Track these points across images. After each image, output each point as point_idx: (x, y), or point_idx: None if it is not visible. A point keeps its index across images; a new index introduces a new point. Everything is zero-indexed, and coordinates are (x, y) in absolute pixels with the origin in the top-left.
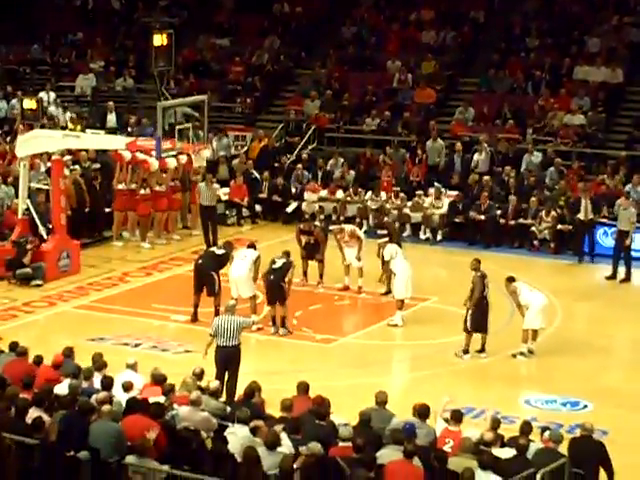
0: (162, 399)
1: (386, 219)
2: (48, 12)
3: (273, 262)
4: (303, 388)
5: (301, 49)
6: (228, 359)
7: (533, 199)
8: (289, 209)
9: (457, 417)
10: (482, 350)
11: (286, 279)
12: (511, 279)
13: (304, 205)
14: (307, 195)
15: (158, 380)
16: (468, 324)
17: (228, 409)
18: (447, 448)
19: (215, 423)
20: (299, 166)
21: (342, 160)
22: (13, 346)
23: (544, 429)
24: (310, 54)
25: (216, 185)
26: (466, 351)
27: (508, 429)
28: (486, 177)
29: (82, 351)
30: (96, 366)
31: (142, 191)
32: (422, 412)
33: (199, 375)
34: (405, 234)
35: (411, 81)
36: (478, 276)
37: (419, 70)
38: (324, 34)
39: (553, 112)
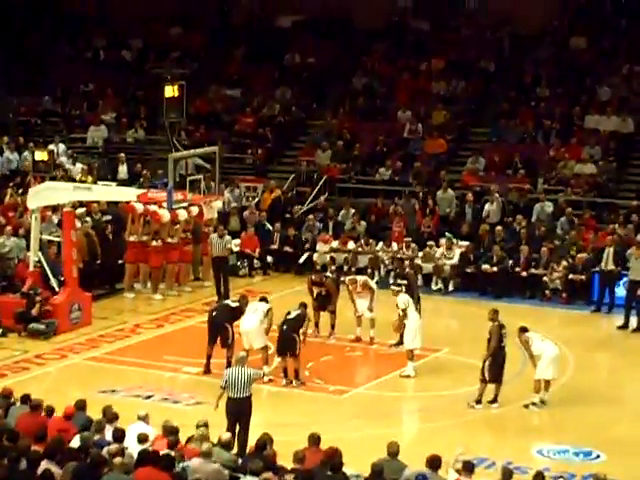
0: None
1: (408, 270)
2: (59, 63)
3: (288, 313)
4: (314, 440)
5: (312, 99)
6: (239, 411)
7: (544, 249)
8: (301, 260)
9: (469, 468)
10: (494, 401)
11: (301, 330)
12: (524, 329)
13: (315, 256)
14: (319, 246)
15: (170, 432)
16: (485, 374)
17: (239, 461)
18: None
19: (226, 475)
20: (310, 217)
21: (353, 211)
22: (25, 399)
23: (557, 479)
24: (321, 104)
25: (228, 237)
26: (479, 401)
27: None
28: (497, 227)
29: (93, 403)
30: (107, 418)
31: (154, 243)
32: (434, 463)
33: (203, 425)
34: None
35: (422, 131)
36: (496, 326)
37: (430, 120)
38: (335, 84)
39: (564, 161)
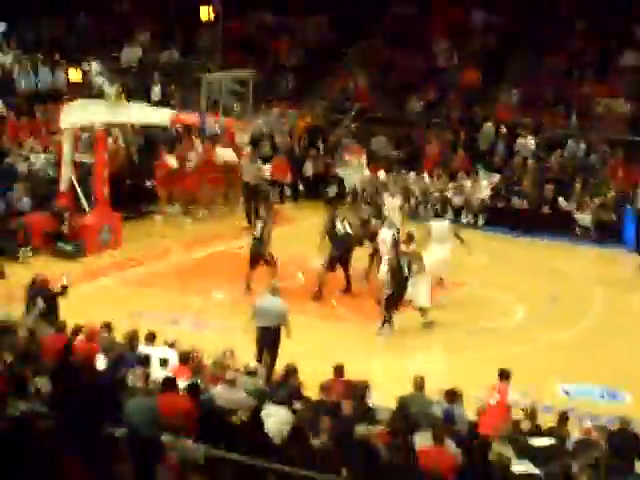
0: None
1: None
2: None
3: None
4: (339, 371)
5: (349, 27)
6: (267, 340)
7: (576, 186)
8: (330, 192)
9: (506, 375)
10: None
11: None
12: None
13: (347, 183)
14: (349, 159)
15: (184, 359)
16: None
17: (265, 390)
18: (492, 401)
19: (252, 403)
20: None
21: (385, 139)
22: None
23: (581, 420)
24: (357, 32)
25: (259, 162)
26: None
27: (545, 418)
28: (529, 162)
29: (121, 326)
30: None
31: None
32: (454, 397)
33: (230, 354)
34: (447, 217)
35: (457, 62)
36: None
37: (465, 51)
38: (372, 12)
39: (598, 98)
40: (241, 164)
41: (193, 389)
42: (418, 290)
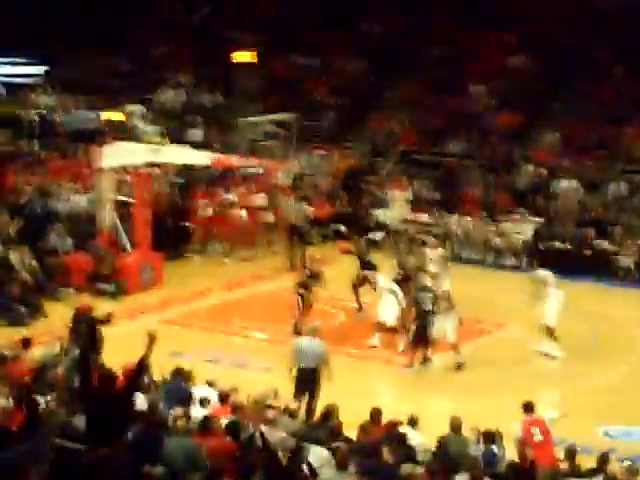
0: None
1: None
2: (131, 24)
3: None
4: (376, 415)
5: (387, 69)
6: (306, 381)
7: (618, 227)
8: (374, 237)
9: (529, 407)
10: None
11: None
12: None
13: (390, 219)
14: (391, 194)
15: (224, 398)
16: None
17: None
18: (536, 439)
19: (292, 443)
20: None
21: (425, 181)
22: None
23: (623, 462)
24: (396, 75)
25: (304, 203)
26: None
27: (585, 460)
28: (571, 204)
29: (161, 366)
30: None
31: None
32: (492, 437)
33: (274, 394)
34: (488, 259)
35: (495, 105)
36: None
37: (504, 94)
38: (409, 55)
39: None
40: (285, 205)
41: (233, 428)
42: (446, 327)
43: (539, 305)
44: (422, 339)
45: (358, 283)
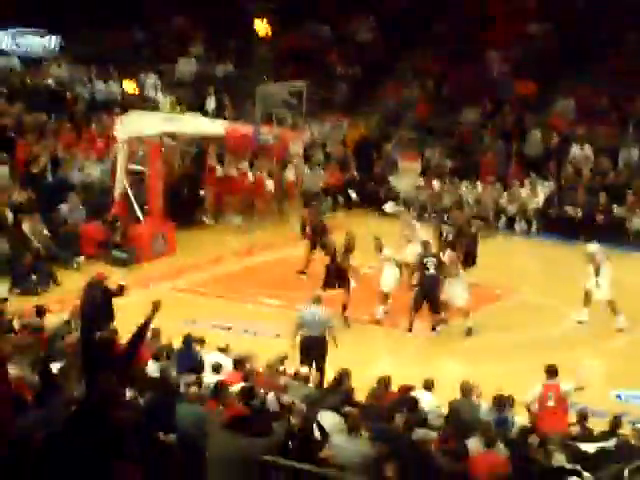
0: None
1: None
2: None
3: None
4: (386, 383)
5: (401, 37)
6: (312, 349)
7: (629, 193)
8: (387, 208)
9: (552, 371)
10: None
11: None
12: None
13: (401, 189)
14: (403, 165)
15: (237, 365)
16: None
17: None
18: (550, 403)
19: (304, 408)
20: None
21: (439, 149)
22: None
23: (635, 425)
24: (411, 43)
25: (320, 170)
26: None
27: (598, 423)
28: (584, 171)
29: (174, 333)
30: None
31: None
32: (501, 403)
33: (283, 360)
34: (500, 225)
35: (511, 73)
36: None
37: (519, 61)
38: (425, 23)
39: None
40: (302, 173)
41: (246, 393)
42: (454, 292)
43: (586, 280)
44: (420, 304)
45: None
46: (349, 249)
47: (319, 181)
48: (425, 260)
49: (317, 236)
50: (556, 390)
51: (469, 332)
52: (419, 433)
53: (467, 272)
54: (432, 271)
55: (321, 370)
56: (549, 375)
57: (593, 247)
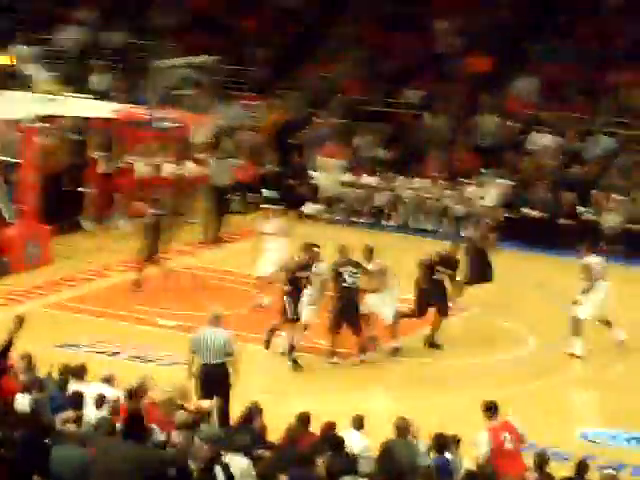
0: None
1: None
2: None
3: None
4: (304, 421)
5: (331, 2)
6: (213, 380)
7: (596, 192)
8: (307, 210)
9: (492, 409)
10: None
11: None
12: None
13: (321, 186)
14: (320, 162)
15: (133, 395)
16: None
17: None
18: (508, 444)
19: (208, 452)
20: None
21: (372, 137)
22: None
23: (604, 470)
24: (340, 9)
25: (231, 160)
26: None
27: (561, 467)
28: (547, 163)
29: (51, 359)
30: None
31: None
32: (446, 443)
33: (184, 394)
34: (444, 229)
35: (461, 46)
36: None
37: (471, 33)
38: None
39: (629, 89)
40: (209, 165)
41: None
42: (382, 306)
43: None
44: (340, 323)
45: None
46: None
47: (228, 174)
48: (341, 270)
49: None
50: (511, 428)
51: (395, 353)
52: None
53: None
54: (350, 282)
55: (225, 406)
56: (489, 414)
57: (589, 260)
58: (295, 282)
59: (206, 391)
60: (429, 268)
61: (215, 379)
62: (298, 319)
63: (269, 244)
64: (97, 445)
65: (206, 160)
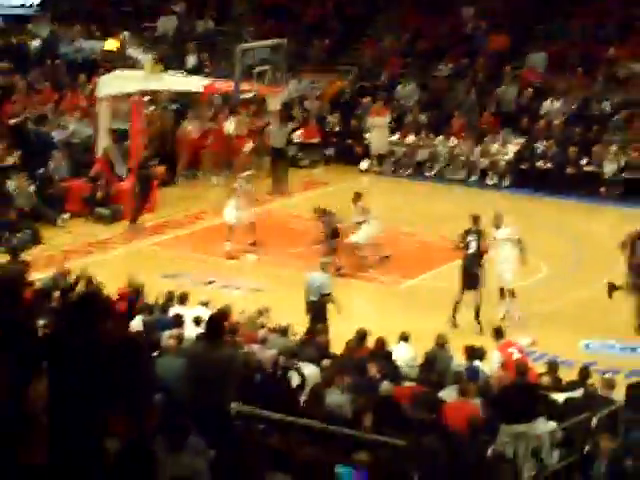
0: None
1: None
2: None
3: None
4: (362, 337)
5: None
6: (313, 312)
7: (598, 147)
8: (362, 166)
9: (499, 332)
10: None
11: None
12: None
13: (372, 144)
14: (371, 121)
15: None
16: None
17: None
18: (515, 357)
19: (282, 360)
20: (368, 99)
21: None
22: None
23: (602, 374)
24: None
25: (289, 126)
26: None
27: (568, 373)
28: (554, 123)
29: (156, 287)
30: (179, 300)
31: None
32: (473, 354)
33: (264, 312)
34: (472, 179)
35: (484, 28)
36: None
37: (492, 16)
38: None
39: (622, 60)
40: (270, 129)
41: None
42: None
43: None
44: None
45: None
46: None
47: (286, 137)
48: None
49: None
50: (514, 345)
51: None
52: (385, 386)
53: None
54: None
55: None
56: (497, 336)
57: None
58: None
59: (310, 320)
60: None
61: (314, 312)
62: None
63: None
64: (187, 354)
65: (272, 126)
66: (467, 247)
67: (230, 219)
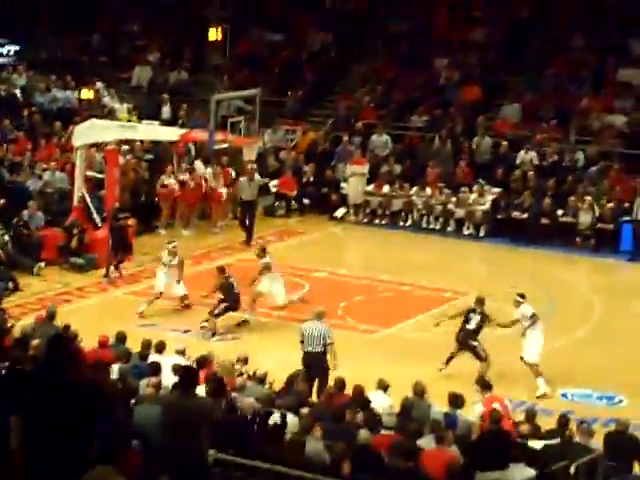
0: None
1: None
2: (106, 2)
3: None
4: (340, 385)
5: (352, 44)
6: (312, 364)
7: (572, 198)
8: (337, 214)
9: (487, 385)
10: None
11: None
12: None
13: (350, 194)
14: (350, 169)
15: (201, 364)
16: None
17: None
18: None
19: (260, 408)
20: (345, 139)
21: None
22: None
23: (580, 423)
24: (361, 49)
25: (257, 178)
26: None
27: (545, 422)
28: (529, 174)
29: (133, 337)
30: (156, 348)
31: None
32: (456, 401)
33: (243, 361)
34: (449, 229)
35: (458, 79)
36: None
37: (465, 68)
38: (374, 30)
39: (595, 112)
40: (240, 181)
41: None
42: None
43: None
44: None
45: None
46: None
47: (255, 190)
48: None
49: None
50: (499, 400)
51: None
52: (363, 434)
53: None
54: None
55: (321, 387)
56: (484, 389)
57: (523, 308)
58: None
59: (307, 372)
60: None
61: (312, 364)
62: None
63: None
64: (163, 402)
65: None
66: (467, 321)
67: (160, 287)
